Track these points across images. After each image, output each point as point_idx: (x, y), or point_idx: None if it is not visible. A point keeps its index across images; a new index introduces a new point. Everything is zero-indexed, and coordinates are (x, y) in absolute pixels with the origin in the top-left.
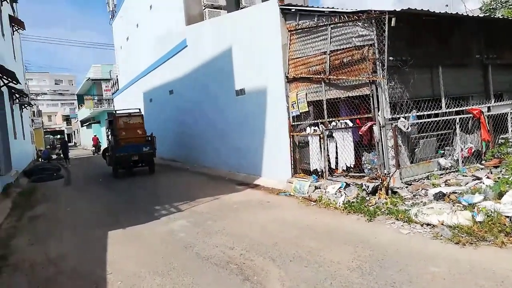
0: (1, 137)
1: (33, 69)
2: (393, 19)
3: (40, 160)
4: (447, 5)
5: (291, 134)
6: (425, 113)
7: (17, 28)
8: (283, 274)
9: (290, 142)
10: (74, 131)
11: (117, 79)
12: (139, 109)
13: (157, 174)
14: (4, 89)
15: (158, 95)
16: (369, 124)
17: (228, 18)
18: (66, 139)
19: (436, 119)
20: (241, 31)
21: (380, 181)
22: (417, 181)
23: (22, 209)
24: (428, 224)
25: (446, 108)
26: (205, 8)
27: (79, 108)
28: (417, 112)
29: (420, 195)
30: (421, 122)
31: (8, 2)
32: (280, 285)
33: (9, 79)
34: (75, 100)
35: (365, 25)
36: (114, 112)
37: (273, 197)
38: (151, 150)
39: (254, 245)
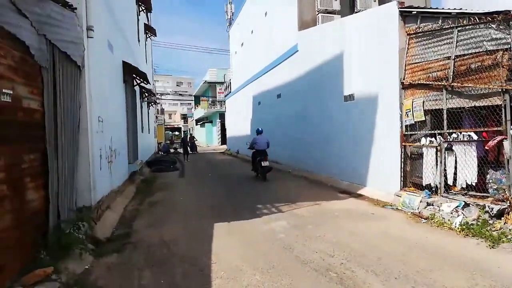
0: (132, 130)
1: (160, 71)
2: None
3: (160, 153)
4: None
5: (403, 144)
6: None
7: (150, 35)
8: None
9: (401, 152)
10: (189, 129)
11: (230, 83)
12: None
13: None
14: (137, 88)
15: (266, 98)
16: (498, 138)
17: (341, 23)
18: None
19: None
20: (354, 36)
21: (508, 204)
22: None
23: (144, 194)
24: None
25: None
26: (318, 13)
27: (195, 108)
28: None
29: None
30: None
31: (144, 12)
32: None
33: (141, 79)
34: (192, 100)
35: (501, 27)
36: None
37: (378, 209)
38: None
39: (356, 256)
